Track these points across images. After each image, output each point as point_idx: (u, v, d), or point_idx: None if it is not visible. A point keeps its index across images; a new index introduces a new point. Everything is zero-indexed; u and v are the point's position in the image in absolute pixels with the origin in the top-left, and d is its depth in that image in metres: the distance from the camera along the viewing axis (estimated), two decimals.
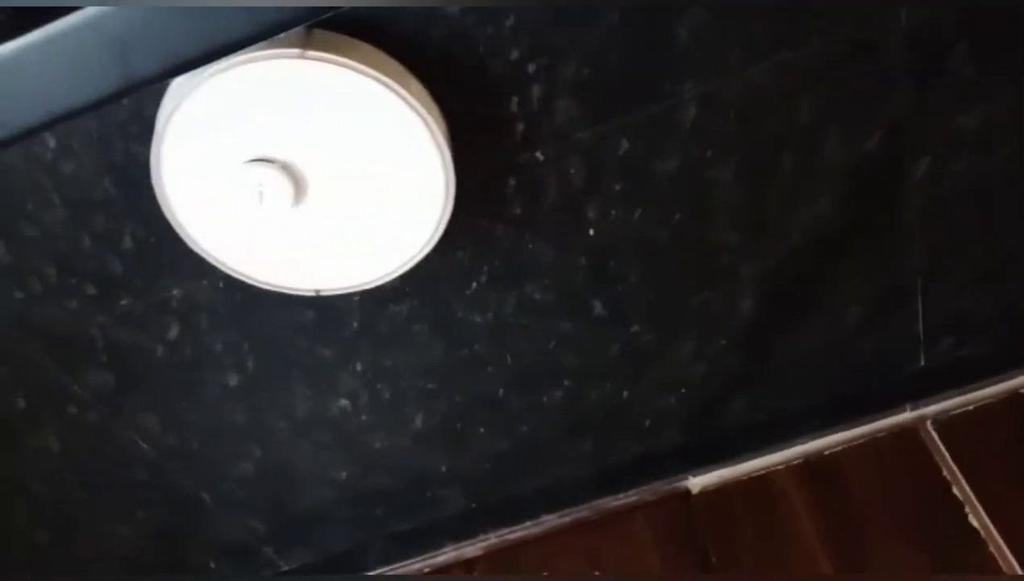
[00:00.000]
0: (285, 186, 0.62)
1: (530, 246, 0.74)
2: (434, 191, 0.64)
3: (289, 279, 0.69)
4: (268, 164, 0.61)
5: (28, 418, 0.82)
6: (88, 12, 0.50)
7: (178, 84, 0.60)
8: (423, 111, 0.61)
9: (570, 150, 0.68)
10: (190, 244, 0.66)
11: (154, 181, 0.62)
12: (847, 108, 0.68)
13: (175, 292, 0.74)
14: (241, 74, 0.57)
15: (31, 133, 0.54)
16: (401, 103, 0.60)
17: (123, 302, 0.74)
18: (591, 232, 0.73)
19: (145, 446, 0.85)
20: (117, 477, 0.88)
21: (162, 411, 0.82)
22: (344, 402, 0.83)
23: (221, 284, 0.73)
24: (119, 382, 0.80)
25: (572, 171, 0.69)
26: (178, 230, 0.65)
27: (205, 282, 0.73)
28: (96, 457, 0.86)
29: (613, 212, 0.72)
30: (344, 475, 0.90)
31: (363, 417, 0.84)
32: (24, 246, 0.69)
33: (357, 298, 0.75)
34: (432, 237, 0.66)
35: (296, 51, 0.57)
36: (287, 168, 0.62)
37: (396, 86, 0.60)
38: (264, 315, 0.75)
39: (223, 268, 0.67)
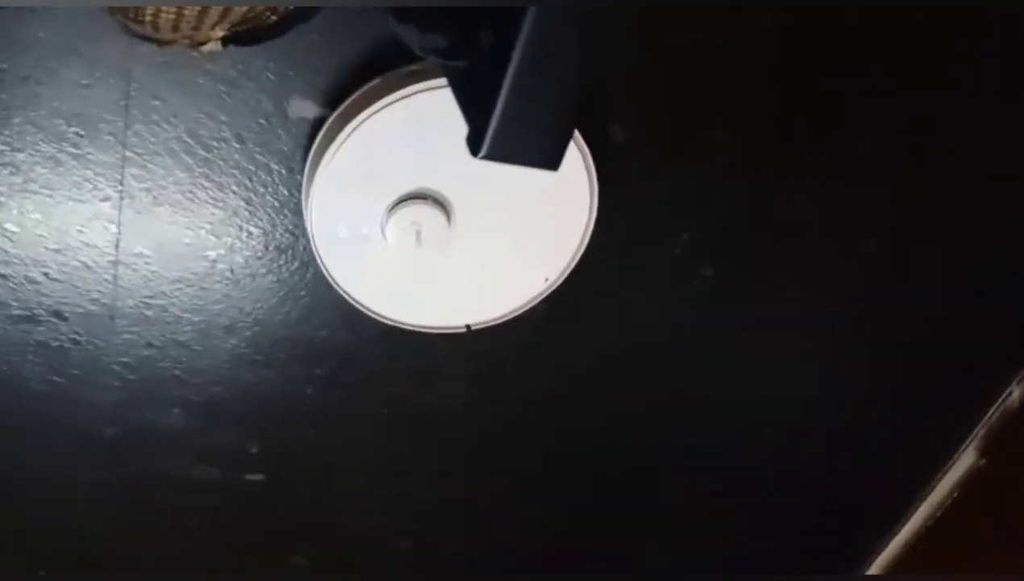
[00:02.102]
0: (441, 221, 0.59)
1: None
2: (578, 208, 0.61)
3: (440, 317, 0.67)
4: (423, 201, 0.59)
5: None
6: None
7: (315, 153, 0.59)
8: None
9: None
10: (354, 304, 0.64)
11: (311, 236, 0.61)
12: None
13: None
14: (390, 115, 0.55)
15: None
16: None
17: None
18: None
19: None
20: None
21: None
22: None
23: None
24: None
25: None
26: (339, 291, 0.63)
27: None
28: None
29: None
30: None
31: None
32: None
33: None
34: (576, 254, 0.64)
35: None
36: (440, 202, 0.59)
37: None
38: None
39: (380, 319, 0.65)
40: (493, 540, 0.88)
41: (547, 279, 0.64)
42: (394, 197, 0.59)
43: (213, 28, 0.49)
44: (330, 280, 0.62)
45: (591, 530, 0.90)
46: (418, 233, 0.59)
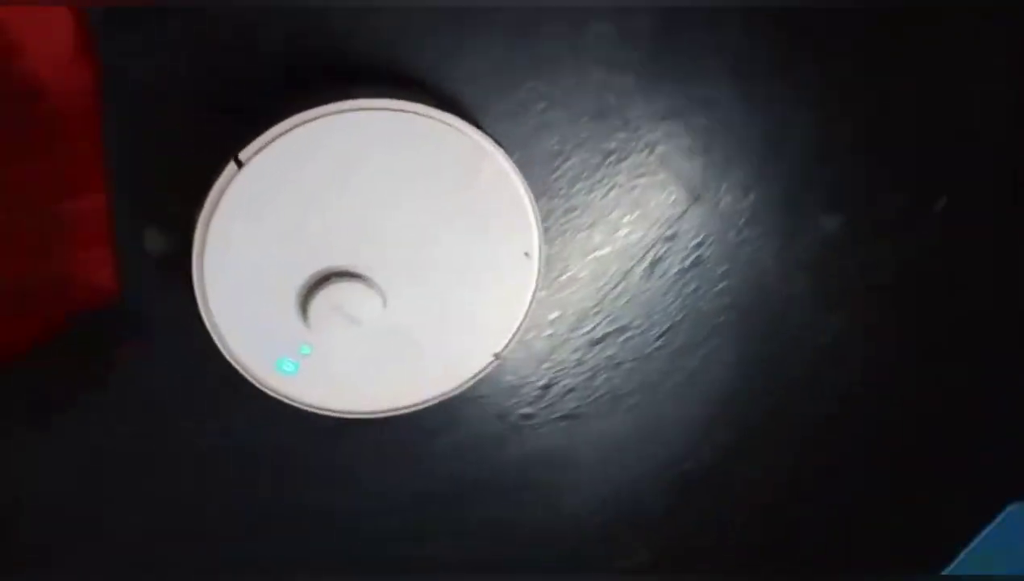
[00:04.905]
0: (370, 296, 0.48)
1: None
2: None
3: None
4: (343, 279, 0.48)
5: None
6: None
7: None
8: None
9: None
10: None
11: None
12: None
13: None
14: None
15: None
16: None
17: None
18: None
19: None
20: None
21: None
22: None
23: None
24: None
25: None
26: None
27: None
28: None
29: None
30: None
31: None
32: None
33: None
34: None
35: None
36: (363, 277, 0.49)
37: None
38: None
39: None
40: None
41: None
42: (303, 279, 0.48)
43: None
44: None
45: None
46: (346, 314, 0.49)
